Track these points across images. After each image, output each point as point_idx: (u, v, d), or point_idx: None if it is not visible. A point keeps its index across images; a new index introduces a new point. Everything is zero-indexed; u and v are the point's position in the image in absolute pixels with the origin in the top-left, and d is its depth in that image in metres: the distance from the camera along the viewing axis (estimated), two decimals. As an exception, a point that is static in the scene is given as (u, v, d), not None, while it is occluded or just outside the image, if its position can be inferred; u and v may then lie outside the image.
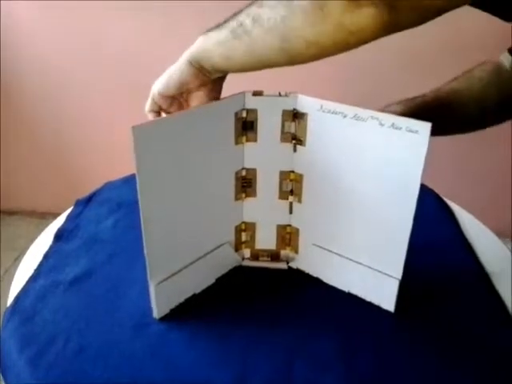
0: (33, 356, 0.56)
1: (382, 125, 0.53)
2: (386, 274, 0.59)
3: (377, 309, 0.61)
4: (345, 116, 0.56)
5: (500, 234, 0.82)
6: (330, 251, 0.64)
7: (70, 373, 0.54)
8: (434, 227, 0.78)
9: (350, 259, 0.62)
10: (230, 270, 0.67)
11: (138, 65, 1.57)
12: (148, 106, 0.60)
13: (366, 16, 0.41)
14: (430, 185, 0.89)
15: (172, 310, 0.61)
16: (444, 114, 0.69)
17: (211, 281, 0.65)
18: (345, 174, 0.59)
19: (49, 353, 0.56)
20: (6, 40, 1.57)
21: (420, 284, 0.65)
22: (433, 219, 0.81)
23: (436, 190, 0.91)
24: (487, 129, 0.73)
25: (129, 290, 0.65)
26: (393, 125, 0.53)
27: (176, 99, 0.59)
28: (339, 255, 0.63)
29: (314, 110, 0.58)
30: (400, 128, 0.52)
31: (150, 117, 0.61)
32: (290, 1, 0.45)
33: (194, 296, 0.63)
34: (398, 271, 0.58)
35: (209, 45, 0.53)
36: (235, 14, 0.50)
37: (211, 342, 0.57)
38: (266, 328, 0.59)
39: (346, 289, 0.63)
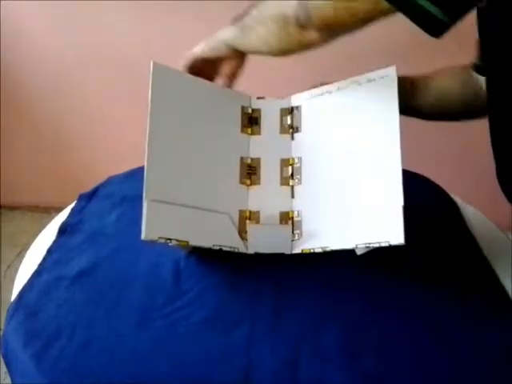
0: (37, 351, 0.56)
1: (360, 84, 0.64)
2: (388, 203, 0.58)
3: (382, 302, 0.62)
4: (330, 92, 0.67)
5: (500, 226, 0.81)
6: (333, 212, 0.64)
7: (75, 368, 0.54)
8: (436, 220, 0.78)
9: (352, 209, 0.62)
10: (235, 255, 0.65)
11: (138, 61, 1.55)
12: (183, 60, 0.67)
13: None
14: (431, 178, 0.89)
15: (176, 302, 0.61)
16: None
17: (207, 243, 0.63)
18: (337, 142, 0.66)
19: (53, 348, 0.56)
20: (7, 36, 1.57)
21: (422, 273, 0.65)
22: (435, 211, 0.81)
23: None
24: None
25: (133, 284, 0.64)
26: (368, 80, 0.63)
27: (212, 63, 0.66)
28: (342, 212, 0.63)
29: (306, 100, 0.70)
30: (374, 79, 0.62)
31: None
32: None
33: (197, 288, 0.63)
34: (398, 198, 0.57)
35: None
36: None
37: (216, 337, 0.57)
38: (270, 320, 0.59)
39: (353, 245, 0.60)
